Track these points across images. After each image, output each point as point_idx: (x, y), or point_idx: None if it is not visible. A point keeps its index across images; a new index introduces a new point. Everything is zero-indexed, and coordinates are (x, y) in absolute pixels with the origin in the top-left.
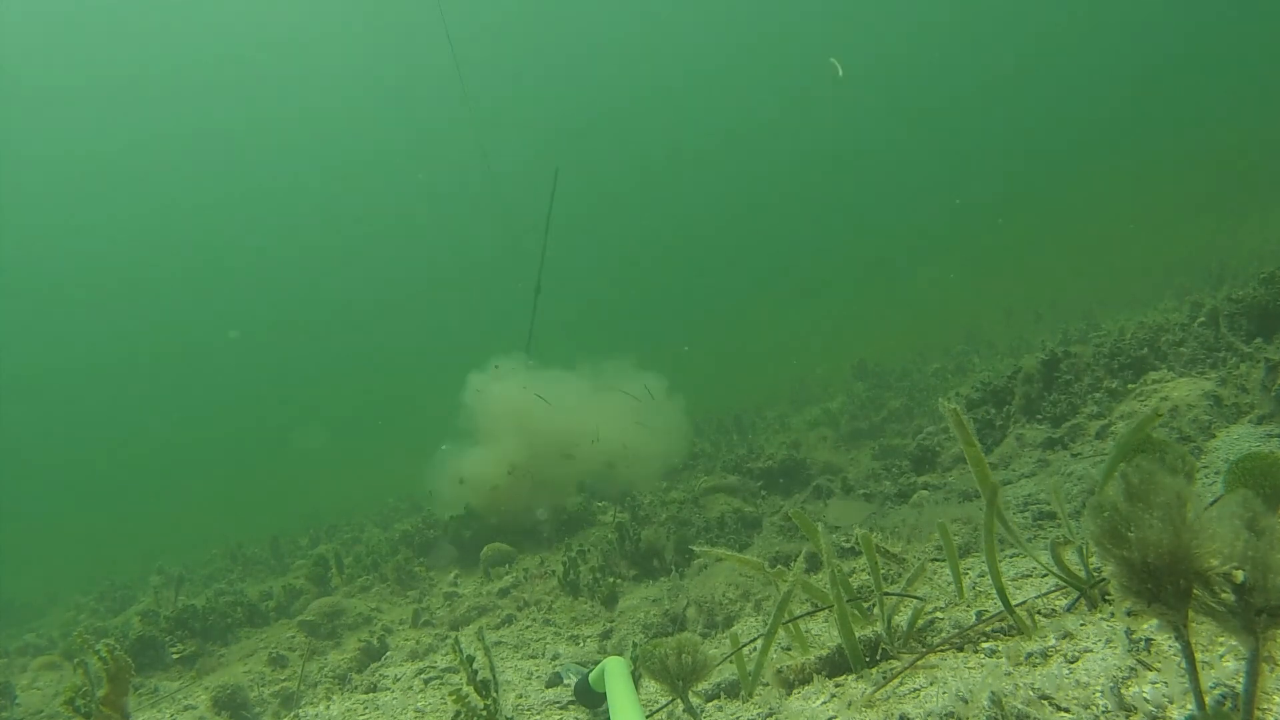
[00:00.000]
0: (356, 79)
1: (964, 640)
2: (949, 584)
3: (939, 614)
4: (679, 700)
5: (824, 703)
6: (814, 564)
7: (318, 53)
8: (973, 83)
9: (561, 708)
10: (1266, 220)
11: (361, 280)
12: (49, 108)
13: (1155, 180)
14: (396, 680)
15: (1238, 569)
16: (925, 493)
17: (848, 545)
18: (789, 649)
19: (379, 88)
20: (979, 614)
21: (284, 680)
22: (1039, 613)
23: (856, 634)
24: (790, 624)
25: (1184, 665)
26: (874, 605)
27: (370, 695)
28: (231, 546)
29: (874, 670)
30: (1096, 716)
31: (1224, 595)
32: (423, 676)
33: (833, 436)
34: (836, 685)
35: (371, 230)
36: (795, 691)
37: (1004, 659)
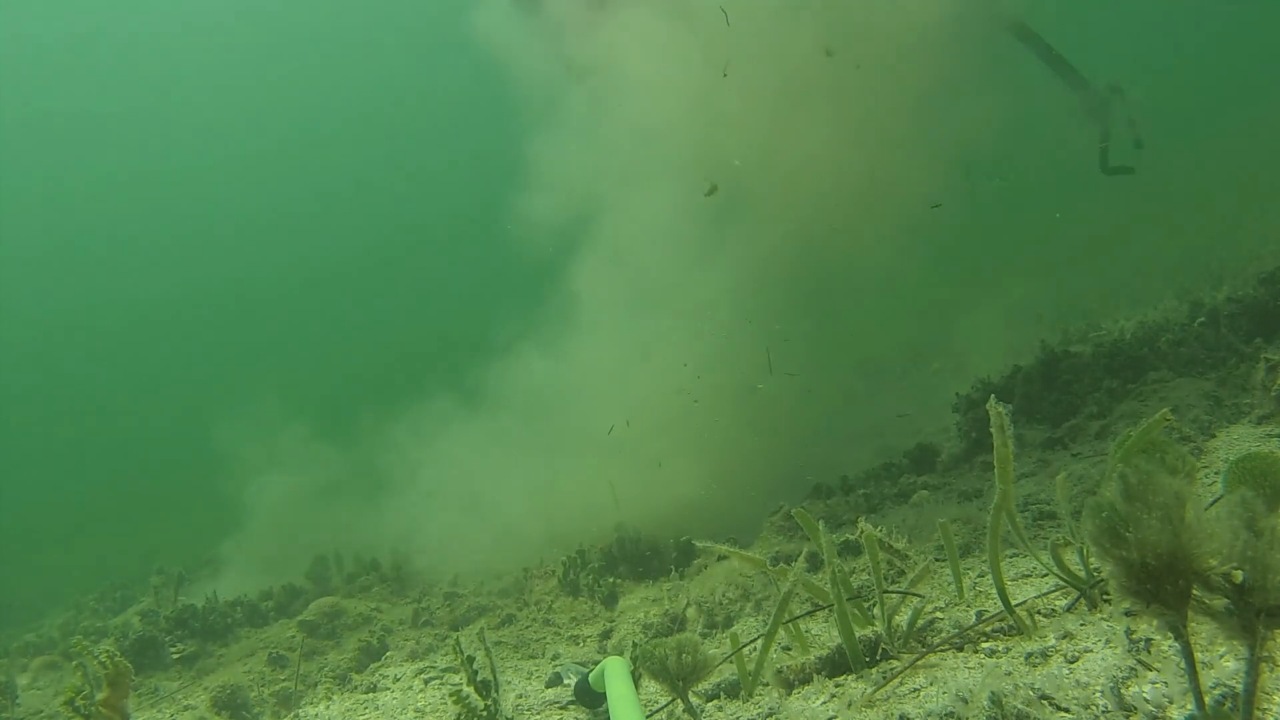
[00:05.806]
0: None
1: (964, 640)
2: (949, 584)
3: (939, 614)
4: (679, 700)
5: (824, 703)
6: (815, 563)
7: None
8: None
9: (561, 708)
10: (1266, 220)
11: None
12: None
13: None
14: (396, 680)
15: (1237, 569)
16: (925, 493)
17: (852, 538)
18: (789, 649)
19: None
20: (979, 614)
21: (284, 680)
22: (1039, 613)
23: (856, 634)
24: (790, 624)
25: (1184, 665)
26: (874, 605)
27: (370, 695)
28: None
29: (874, 670)
30: (1096, 716)
31: (1215, 602)
32: (423, 676)
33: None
34: (836, 685)
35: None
36: (795, 691)
37: (1004, 659)
